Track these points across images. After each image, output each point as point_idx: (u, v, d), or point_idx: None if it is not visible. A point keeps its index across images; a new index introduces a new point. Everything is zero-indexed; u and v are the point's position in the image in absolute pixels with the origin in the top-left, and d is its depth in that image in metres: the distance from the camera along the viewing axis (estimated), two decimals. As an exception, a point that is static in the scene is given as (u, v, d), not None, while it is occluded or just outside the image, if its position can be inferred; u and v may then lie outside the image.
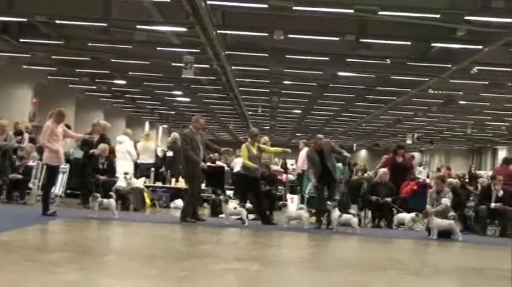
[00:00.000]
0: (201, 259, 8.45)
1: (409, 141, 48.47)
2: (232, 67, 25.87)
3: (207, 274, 7.26)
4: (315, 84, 30.60)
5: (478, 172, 40.63)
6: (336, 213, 13.59)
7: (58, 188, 15.93)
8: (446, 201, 13.95)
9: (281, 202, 15.64)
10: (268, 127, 53.94)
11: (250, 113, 43.58)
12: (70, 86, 36.00)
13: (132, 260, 8.01)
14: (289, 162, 31.02)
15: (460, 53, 21.39)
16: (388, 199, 15.89)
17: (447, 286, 7.48)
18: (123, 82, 33.94)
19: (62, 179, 16.19)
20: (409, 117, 42.25)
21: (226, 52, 22.63)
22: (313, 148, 14.83)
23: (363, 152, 72.97)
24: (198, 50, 22.72)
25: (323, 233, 13.56)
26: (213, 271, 7.47)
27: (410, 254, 11.90)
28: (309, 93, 33.92)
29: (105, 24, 20.38)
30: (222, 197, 15.35)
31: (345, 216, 13.64)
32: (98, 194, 13.86)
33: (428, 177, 28.32)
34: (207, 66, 26.06)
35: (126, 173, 16.76)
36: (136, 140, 19.91)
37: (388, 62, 23.87)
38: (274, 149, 15.96)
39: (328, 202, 13.79)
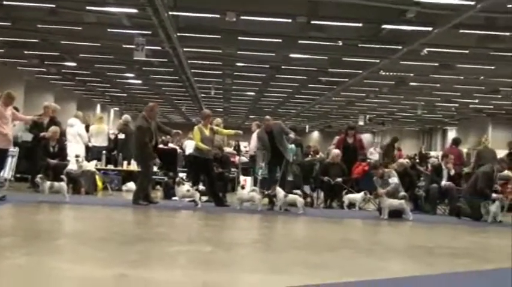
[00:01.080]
0: (154, 242, 8.41)
1: (361, 123, 48.94)
2: (185, 49, 25.72)
3: (160, 256, 7.24)
4: (267, 66, 30.62)
5: (428, 153, 41.18)
6: (281, 193, 13.69)
7: (7, 172, 15.66)
8: (394, 180, 14.13)
9: (241, 184, 15.70)
10: (221, 109, 53.88)
11: (203, 95, 43.45)
12: (19, 68, 35.41)
13: (83, 244, 7.94)
14: (243, 144, 31.06)
15: (410, 35, 21.60)
16: (340, 180, 16.02)
17: (399, 265, 7.57)
18: (73, 64, 33.50)
19: (11, 163, 15.93)
20: (361, 98, 42.61)
21: (178, 34, 22.48)
22: (263, 129, 14.87)
23: (316, 134, 73.41)
24: (149, 32, 22.52)
25: (276, 214, 13.62)
26: (166, 253, 7.46)
27: (362, 234, 12.02)
28: (262, 75, 33.94)
29: (53, 5, 20.04)
30: (175, 179, 15.30)
31: (291, 196, 13.72)
32: (44, 176, 13.70)
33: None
34: (159, 48, 25.87)
35: (77, 156, 16.57)
36: (88, 123, 19.67)
37: (340, 44, 23.99)
38: (227, 131, 15.94)
39: (270, 190, 13.96)
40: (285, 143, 14.59)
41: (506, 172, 17.60)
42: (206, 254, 7.57)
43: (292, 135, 14.86)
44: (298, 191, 14.08)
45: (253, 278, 6.37)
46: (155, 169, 16.19)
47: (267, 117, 15.19)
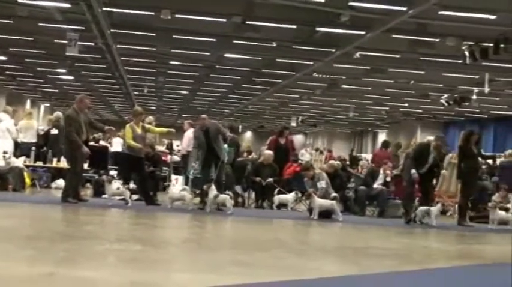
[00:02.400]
0: (82, 240, 8.29)
1: (293, 124, 49.25)
2: (118, 46, 25.41)
3: (88, 255, 7.14)
4: (201, 65, 30.52)
5: (358, 155, 41.76)
6: (212, 193, 13.67)
7: None
8: (322, 184, 14.27)
9: (166, 183, 15.59)
10: (154, 108, 53.45)
11: (136, 93, 43.02)
12: None
13: (9, 241, 7.76)
14: (176, 143, 30.90)
15: (344, 38, 21.83)
16: (271, 180, 16.10)
17: (329, 265, 7.66)
18: (3, 58, 32.69)
19: None
20: (294, 100, 42.86)
21: (112, 30, 22.19)
22: (199, 127, 14.80)
23: (249, 134, 73.61)
24: (82, 27, 22.16)
25: (206, 214, 13.58)
26: (95, 252, 7.36)
27: (293, 234, 12.11)
28: (196, 74, 33.81)
29: (-17, -2, 19.56)
30: (104, 177, 15.13)
31: (221, 196, 13.72)
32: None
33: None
34: (92, 44, 25.48)
35: (5, 152, 16.23)
36: (17, 118, 19.25)
37: (274, 45, 24.08)
38: (159, 130, 15.82)
39: (205, 186, 13.93)
40: (220, 142, 14.56)
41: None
42: (136, 252, 7.51)
43: (228, 134, 14.87)
44: (229, 192, 14.08)
45: (182, 277, 6.35)
46: (85, 166, 15.95)
47: (203, 115, 15.14)
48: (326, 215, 13.87)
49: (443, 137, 17.06)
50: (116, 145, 20.55)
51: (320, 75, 30.45)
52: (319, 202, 13.89)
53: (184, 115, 55.44)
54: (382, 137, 53.21)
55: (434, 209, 14.21)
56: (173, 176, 18.17)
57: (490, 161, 19.66)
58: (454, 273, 7.80)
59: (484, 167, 19.53)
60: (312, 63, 26.65)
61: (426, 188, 14.61)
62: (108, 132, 17.46)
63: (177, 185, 16.29)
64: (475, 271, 8.12)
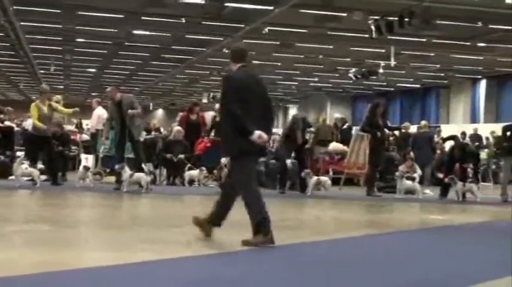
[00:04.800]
0: (-12, 222, 8.09)
1: (204, 101, 49.02)
2: (22, 23, 24.70)
3: (-6, 237, 6.98)
4: (109, 42, 30.03)
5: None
6: (126, 173, 13.46)
7: None
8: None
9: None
10: (62, 86, 52.28)
11: (42, 71, 41.95)
12: None
13: None
14: (85, 122, 30.34)
15: (253, 14, 21.87)
16: (183, 157, 16.03)
17: (241, 238, 7.71)
18: None
19: None
20: (204, 76, 42.76)
21: (15, 7, 21.54)
22: (111, 101, 14.14)
23: (160, 112, 73.01)
24: (-17, 4, 21.44)
25: (121, 193, 13.38)
26: (1, 234, 7.19)
27: (204, 209, 12.07)
28: (104, 51, 33.24)
29: None
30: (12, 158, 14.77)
31: (137, 175, 13.54)
32: None
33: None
34: (-6, 21, 24.69)
35: None
36: None
37: (183, 21, 23.91)
38: (66, 111, 15.32)
39: (117, 166, 13.63)
40: (134, 119, 14.03)
41: (341, 147, 18.35)
42: (44, 233, 7.38)
43: (139, 110, 14.39)
44: (146, 169, 13.84)
45: (93, 255, 6.29)
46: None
47: (111, 88, 14.55)
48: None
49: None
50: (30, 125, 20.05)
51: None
52: (231, 176, 13.92)
53: (93, 93, 54.47)
54: (292, 111, 53.78)
55: (325, 179, 14.57)
56: (83, 155, 17.85)
57: (396, 133, 20.17)
58: (362, 241, 8.01)
59: (391, 138, 20.04)
60: (221, 39, 26.60)
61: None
62: (9, 113, 16.98)
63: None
64: (382, 238, 8.36)
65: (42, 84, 19.30)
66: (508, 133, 15.28)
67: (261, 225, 6.89)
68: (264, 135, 6.93)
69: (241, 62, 7.27)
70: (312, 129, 17.90)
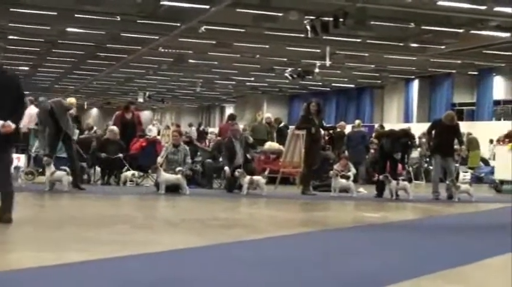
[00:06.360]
0: None
1: (140, 100, 48.68)
2: (-50, 19, 24.09)
3: None
4: (42, 40, 29.50)
5: (206, 129, 41.98)
6: (49, 171, 13.24)
7: None
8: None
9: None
10: (-7, 85, 51.16)
11: (-28, 69, 40.98)
12: None
13: None
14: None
15: (189, 12, 21.79)
16: (118, 156, 15.84)
17: (174, 238, 7.66)
18: None
19: None
20: (140, 75, 42.42)
21: None
22: (42, 111, 14.16)
23: (95, 111, 72.10)
24: None
25: (51, 193, 13.14)
26: None
27: (140, 209, 12.00)
28: (37, 49, 32.66)
29: None
30: None
31: (58, 173, 13.27)
32: None
33: (159, 134, 28.72)
34: None
35: None
36: None
37: (118, 19, 23.65)
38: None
39: (45, 158, 13.48)
40: (67, 120, 13.98)
41: (277, 146, 18.44)
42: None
43: (73, 111, 14.31)
44: (66, 167, 13.54)
45: (21, 256, 6.14)
46: None
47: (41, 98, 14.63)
48: (173, 189, 13.87)
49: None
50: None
51: (166, 50, 30.26)
52: (166, 176, 13.85)
53: (26, 92, 53.42)
54: (229, 111, 53.73)
55: (259, 178, 14.60)
56: (15, 155, 17.44)
57: (331, 132, 20.37)
58: (297, 239, 8.04)
59: (327, 137, 20.22)
60: (157, 37, 26.43)
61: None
62: None
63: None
64: (317, 236, 8.41)
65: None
66: (434, 131, 15.57)
67: None
68: (9, 125, 7.60)
69: None
70: (256, 151, 17.74)
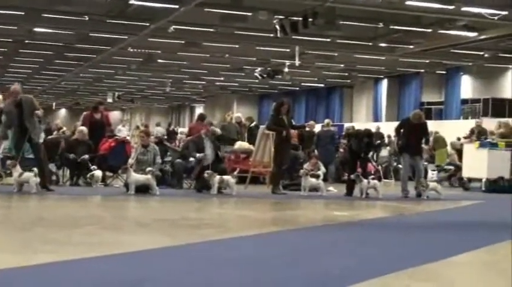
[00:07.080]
0: None
1: (110, 100, 48.43)
2: None
3: None
4: (9, 40, 29.21)
5: (176, 129, 41.87)
6: (16, 172, 13.07)
7: None
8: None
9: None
10: (-40, 86, 50.55)
11: None
12: None
13: None
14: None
15: (158, 12, 21.72)
16: (86, 157, 15.72)
17: (143, 238, 7.62)
18: None
19: None
20: (109, 75, 42.19)
21: None
22: (11, 101, 13.58)
23: (63, 111, 71.56)
24: None
25: (20, 194, 12.98)
26: None
27: (109, 210, 11.92)
28: (4, 49, 32.32)
29: None
30: None
31: (26, 175, 13.09)
32: None
33: (128, 135, 28.56)
34: None
35: None
36: None
37: (87, 19, 23.50)
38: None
39: (8, 161, 13.32)
40: (34, 121, 13.49)
41: (247, 146, 18.45)
42: None
43: (40, 112, 13.89)
44: (34, 169, 13.36)
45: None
46: None
47: (16, 86, 13.86)
48: (143, 189, 13.81)
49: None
50: None
51: (135, 50, 30.14)
52: (135, 177, 13.79)
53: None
54: (199, 110, 53.68)
55: (228, 178, 14.59)
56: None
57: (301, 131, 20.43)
58: (268, 238, 8.05)
59: (296, 137, 20.26)
60: (126, 37, 26.31)
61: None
62: None
63: None
64: (287, 235, 8.42)
65: None
66: (402, 130, 15.71)
67: None
68: None
69: None
70: (227, 151, 17.77)
